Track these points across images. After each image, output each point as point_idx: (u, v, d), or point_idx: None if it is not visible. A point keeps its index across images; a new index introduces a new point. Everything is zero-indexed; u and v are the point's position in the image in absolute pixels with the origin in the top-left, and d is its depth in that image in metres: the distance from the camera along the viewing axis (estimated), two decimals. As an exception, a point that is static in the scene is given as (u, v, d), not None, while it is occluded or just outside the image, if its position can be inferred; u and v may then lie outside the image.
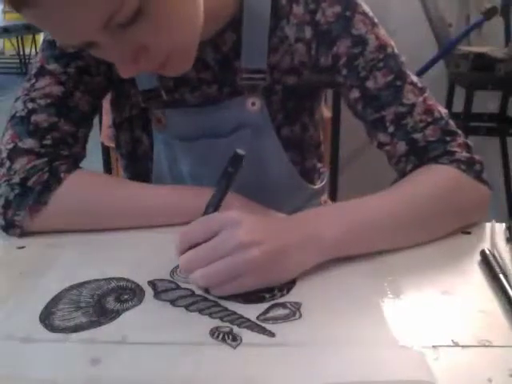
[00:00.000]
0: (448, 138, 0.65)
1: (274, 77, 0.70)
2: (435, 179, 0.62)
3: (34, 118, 0.65)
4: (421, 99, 0.67)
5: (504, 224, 0.63)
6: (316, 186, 0.84)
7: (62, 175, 0.63)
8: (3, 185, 0.62)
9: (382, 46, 0.67)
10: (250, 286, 0.48)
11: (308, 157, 0.80)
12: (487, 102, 2.01)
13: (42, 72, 0.67)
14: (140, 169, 0.78)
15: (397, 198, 0.58)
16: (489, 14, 1.82)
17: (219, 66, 0.69)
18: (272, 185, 0.74)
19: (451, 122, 0.67)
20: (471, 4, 2.01)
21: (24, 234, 0.62)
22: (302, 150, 0.78)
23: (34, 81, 0.67)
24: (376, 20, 0.69)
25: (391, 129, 0.67)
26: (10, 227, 0.62)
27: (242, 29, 0.67)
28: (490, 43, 1.90)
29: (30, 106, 0.65)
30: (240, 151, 0.53)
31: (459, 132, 0.67)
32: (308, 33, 0.68)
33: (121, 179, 0.68)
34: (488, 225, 0.63)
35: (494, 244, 0.59)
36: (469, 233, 0.62)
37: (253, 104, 0.69)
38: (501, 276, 0.50)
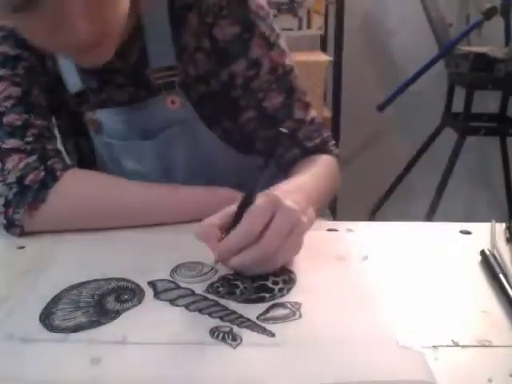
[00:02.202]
0: (327, 139, 0.77)
1: (187, 83, 0.70)
2: (330, 164, 0.75)
3: (5, 119, 0.66)
4: (307, 114, 0.75)
5: (504, 224, 0.63)
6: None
7: (58, 173, 0.63)
8: (0, 185, 0.63)
9: (275, 68, 0.71)
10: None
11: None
12: (487, 101, 2.01)
13: None
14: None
15: (317, 175, 0.69)
16: (489, 14, 1.82)
17: (130, 73, 0.70)
18: (221, 171, 0.76)
19: (321, 119, 0.78)
20: (471, 4, 2.01)
21: (24, 233, 0.62)
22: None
23: None
24: (273, 38, 0.70)
25: (286, 142, 0.74)
26: (10, 226, 0.62)
27: (145, 36, 0.67)
28: (489, 43, 1.90)
29: None
30: (283, 130, 0.55)
31: (330, 133, 0.79)
32: (206, 44, 0.69)
33: (115, 177, 0.69)
34: (488, 225, 0.63)
35: (494, 244, 0.59)
36: (469, 233, 0.62)
37: (173, 102, 0.69)
38: (501, 276, 0.50)
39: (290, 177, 0.67)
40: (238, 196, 0.61)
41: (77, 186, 0.64)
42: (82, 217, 0.63)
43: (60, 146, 0.75)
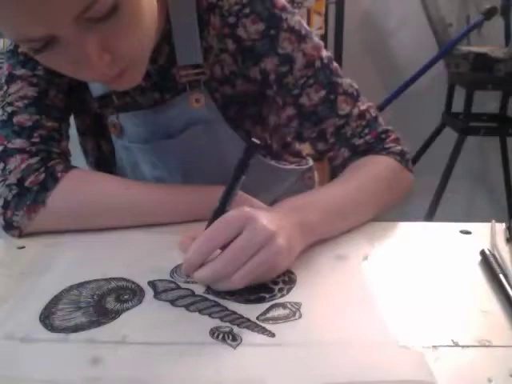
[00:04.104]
0: (383, 136, 0.71)
1: (212, 85, 0.70)
2: (380, 169, 0.67)
3: (16, 119, 0.66)
4: (355, 107, 0.70)
5: (504, 224, 0.63)
6: (288, 167, 0.85)
7: (59, 175, 0.63)
8: (0, 185, 0.63)
9: (310, 62, 0.68)
10: (274, 275, 0.50)
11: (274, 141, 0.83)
12: (487, 102, 2.01)
13: (12, 78, 0.68)
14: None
15: (354, 187, 0.63)
16: (489, 14, 1.82)
17: (158, 75, 0.70)
18: None
19: (381, 119, 0.72)
20: (471, 4, 2.01)
21: (23, 235, 0.62)
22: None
23: (6, 88, 0.68)
24: (304, 31, 0.68)
25: (332, 140, 0.71)
26: (9, 228, 0.62)
27: (173, 38, 0.67)
28: (489, 43, 1.90)
29: (10, 109, 0.66)
30: (256, 140, 0.50)
31: (389, 128, 0.72)
32: (230, 45, 0.68)
33: (117, 177, 0.69)
34: (488, 225, 0.63)
35: (494, 244, 0.59)
36: (469, 233, 0.62)
37: (197, 101, 0.69)
38: (501, 276, 0.50)
39: (321, 187, 0.65)
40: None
41: (76, 188, 0.64)
42: (81, 218, 0.63)
43: (71, 145, 0.74)
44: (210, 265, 0.47)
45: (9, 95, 0.67)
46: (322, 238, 0.58)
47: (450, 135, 1.86)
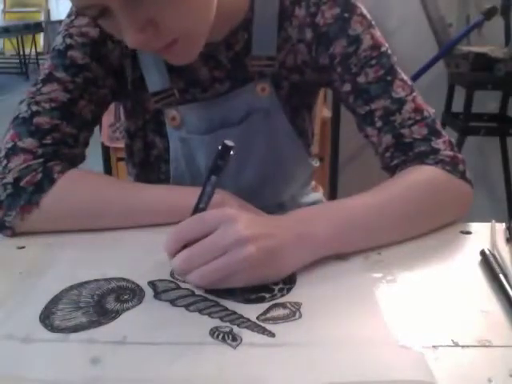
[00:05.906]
0: (433, 137, 0.67)
1: (281, 73, 0.73)
2: (422, 180, 0.63)
3: (36, 119, 0.65)
4: (410, 97, 0.68)
5: (504, 224, 0.63)
6: (316, 164, 0.88)
7: (56, 176, 0.62)
8: None
9: (377, 45, 0.70)
10: (244, 282, 0.48)
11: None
12: (487, 102, 2.01)
13: (50, 78, 0.68)
14: (151, 175, 0.80)
15: (384, 198, 0.60)
16: (489, 14, 1.82)
17: (232, 64, 0.72)
18: (285, 159, 0.78)
19: (438, 122, 0.69)
20: (471, 4, 2.01)
21: (18, 234, 0.62)
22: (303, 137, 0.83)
23: (40, 85, 0.67)
24: (373, 22, 0.71)
25: (379, 124, 0.69)
26: (1, 228, 0.62)
27: (253, 27, 0.70)
28: (490, 43, 1.90)
29: (34, 108, 0.66)
30: (229, 142, 0.51)
31: (444, 133, 0.69)
32: (308, 35, 0.71)
33: (114, 178, 0.69)
34: (488, 225, 0.63)
35: (494, 244, 0.59)
36: (469, 233, 0.62)
37: (262, 89, 0.72)
38: (501, 276, 0.50)
39: (343, 198, 0.61)
40: (227, 198, 0.62)
41: (71, 190, 0.63)
42: (76, 219, 0.63)
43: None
44: (176, 257, 0.48)
45: (40, 94, 0.66)
46: (338, 253, 0.55)
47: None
